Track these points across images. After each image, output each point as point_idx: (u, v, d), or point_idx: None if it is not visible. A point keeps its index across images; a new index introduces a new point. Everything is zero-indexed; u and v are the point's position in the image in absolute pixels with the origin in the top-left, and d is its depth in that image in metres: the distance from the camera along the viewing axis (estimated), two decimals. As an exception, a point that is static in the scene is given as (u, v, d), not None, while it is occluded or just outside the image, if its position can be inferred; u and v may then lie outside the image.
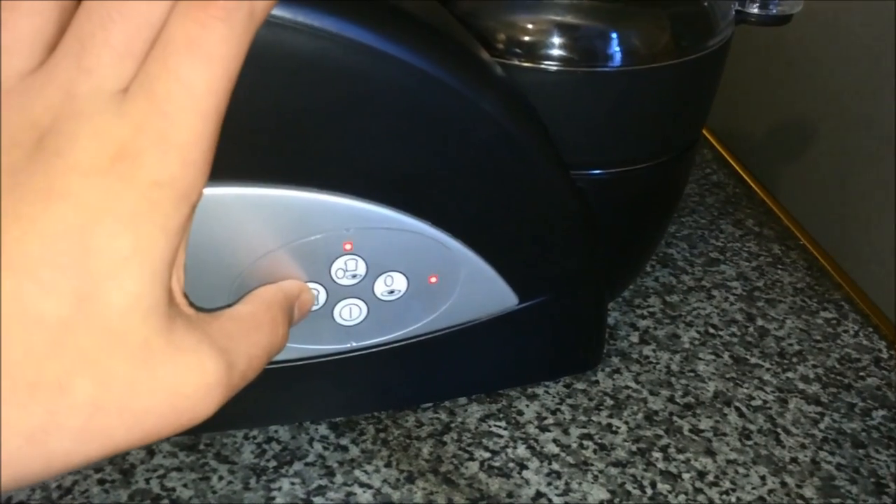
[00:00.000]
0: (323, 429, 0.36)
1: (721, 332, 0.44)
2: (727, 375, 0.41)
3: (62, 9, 0.18)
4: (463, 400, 0.38)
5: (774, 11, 0.36)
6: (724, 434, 0.38)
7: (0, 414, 0.16)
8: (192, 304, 0.21)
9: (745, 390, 0.41)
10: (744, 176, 0.60)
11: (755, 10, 0.36)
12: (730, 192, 0.58)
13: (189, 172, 0.18)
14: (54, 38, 0.18)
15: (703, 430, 0.38)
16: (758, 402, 0.40)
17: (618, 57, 0.31)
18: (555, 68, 0.31)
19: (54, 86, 0.17)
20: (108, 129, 0.17)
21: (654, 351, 0.43)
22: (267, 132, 0.26)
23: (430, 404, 0.38)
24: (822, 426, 0.39)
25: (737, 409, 0.39)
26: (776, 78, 0.58)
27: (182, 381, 0.18)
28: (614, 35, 0.31)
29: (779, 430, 0.38)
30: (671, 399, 0.40)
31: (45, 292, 0.16)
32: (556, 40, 0.31)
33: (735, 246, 0.52)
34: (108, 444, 0.18)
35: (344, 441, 0.36)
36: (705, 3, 0.34)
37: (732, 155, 0.63)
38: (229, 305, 0.23)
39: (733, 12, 0.35)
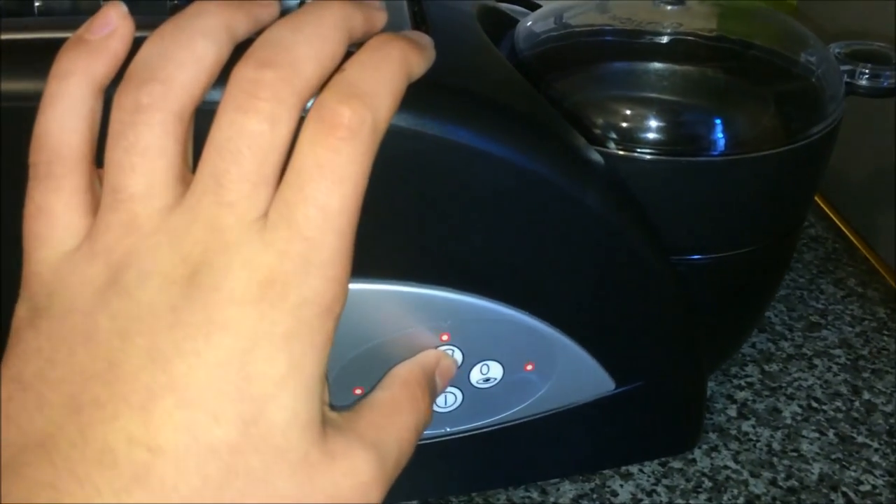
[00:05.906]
0: (415, 507, 0.36)
1: (825, 407, 0.42)
2: (833, 456, 0.40)
3: (184, 140, 0.19)
4: (555, 478, 0.38)
5: (885, 84, 0.34)
6: (832, 523, 0.36)
7: None
8: (332, 406, 0.21)
9: (853, 473, 0.39)
10: (843, 229, 0.58)
11: (864, 83, 0.34)
12: (829, 247, 0.56)
13: (331, 287, 0.18)
14: (182, 170, 0.19)
15: (808, 519, 0.36)
16: (867, 487, 0.38)
17: (721, 144, 0.30)
18: (654, 157, 0.30)
19: (200, 223, 0.18)
20: (256, 258, 0.18)
21: (753, 427, 0.41)
22: (368, 229, 0.27)
23: (521, 482, 0.37)
24: (937, 516, 0.37)
25: (844, 494, 0.38)
26: (875, 123, 0.56)
27: (340, 487, 0.19)
28: (718, 122, 0.30)
29: (890, 519, 0.37)
30: (773, 482, 0.38)
31: (216, 421, 0.17)
32: (655, 125, 0.30)
33: (837, 308, 0.49)
34: None
35: (436, 521, 0.36)
36: (813, 79, 0.33)
37: (831, 206, 0.61)
38: (365, 395, 0.23)
39: (843, 87, 0.34)
